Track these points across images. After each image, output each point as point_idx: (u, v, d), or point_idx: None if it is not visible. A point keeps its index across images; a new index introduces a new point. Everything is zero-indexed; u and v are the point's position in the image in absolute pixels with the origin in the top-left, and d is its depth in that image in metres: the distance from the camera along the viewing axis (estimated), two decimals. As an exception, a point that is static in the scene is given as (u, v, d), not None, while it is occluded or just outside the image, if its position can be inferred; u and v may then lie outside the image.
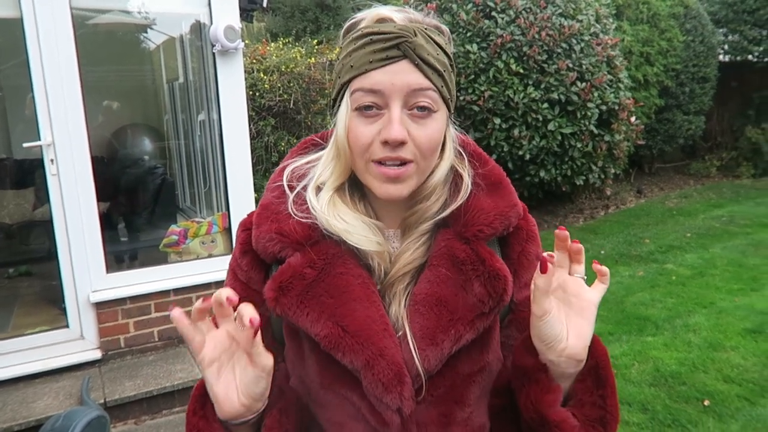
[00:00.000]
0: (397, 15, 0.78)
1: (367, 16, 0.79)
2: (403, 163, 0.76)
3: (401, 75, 0.74)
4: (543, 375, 0.76)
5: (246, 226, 0.85)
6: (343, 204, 0.81)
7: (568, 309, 0.75)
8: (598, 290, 0.77)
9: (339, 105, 0.79)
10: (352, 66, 0.76)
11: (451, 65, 0.81)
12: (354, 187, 0.83)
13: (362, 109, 0.76)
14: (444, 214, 0.81)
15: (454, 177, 0.84)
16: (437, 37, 0.79)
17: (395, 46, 0.74)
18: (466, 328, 0.77)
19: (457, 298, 0.78)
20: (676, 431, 2.71)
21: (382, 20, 0.78)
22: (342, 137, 0.78)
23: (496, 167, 0.87)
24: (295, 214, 0.79)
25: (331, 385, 0.78)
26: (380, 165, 0.76)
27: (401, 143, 0.75)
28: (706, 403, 2.92)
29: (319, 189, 0.81)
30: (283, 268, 0.78)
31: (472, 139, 0.91)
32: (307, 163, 0.85)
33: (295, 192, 0.82)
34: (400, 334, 0.77)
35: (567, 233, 0.74)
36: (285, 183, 0.83)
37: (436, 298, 0.78)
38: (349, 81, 0.77)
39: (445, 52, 0.79)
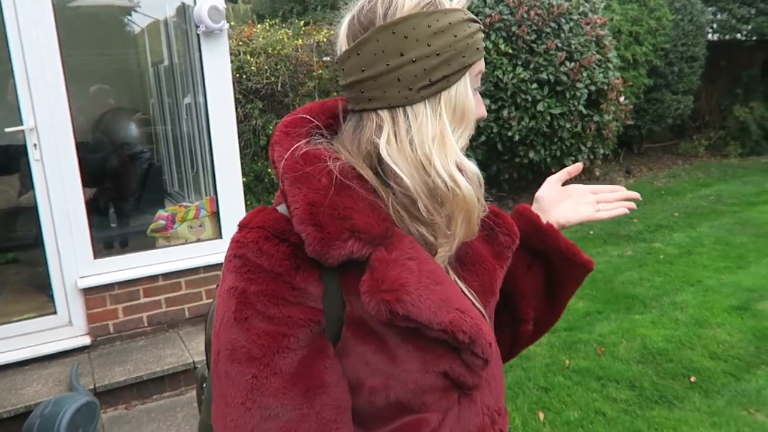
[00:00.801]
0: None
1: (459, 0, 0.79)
2: None
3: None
4: (560, 234, 0.99)
5: (279, 233, 0.71)
6: None
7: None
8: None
9: (455, 80, 0.75)
10: (477, 48, 0.77)
11: None
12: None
13: (475, 91, 0.79)
14: None
15: None
16: None
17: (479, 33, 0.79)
18: (501, 273, 0.88)
19: (489, 250, 0.87)
20: (663, 407, 2.75)
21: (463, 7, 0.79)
22: (471, 113, 0.77)
23: None
24: (381, 207, 0.73)
25: (434, 365, 0.75)
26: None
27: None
28: (693, 379, 2.96)
29: (459, 165, 0.78)
30: (382, 265, 0.71)
31: None
32: (331, 152, 0.75)
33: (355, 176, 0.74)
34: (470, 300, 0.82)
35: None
36: (337, 172, 0.72)
37: (476, 254, 0.85)
38: (474, 62, 0.77)
39: None
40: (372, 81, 0.74)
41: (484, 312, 0.82)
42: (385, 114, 0.74)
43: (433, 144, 0.73)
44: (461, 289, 0.81)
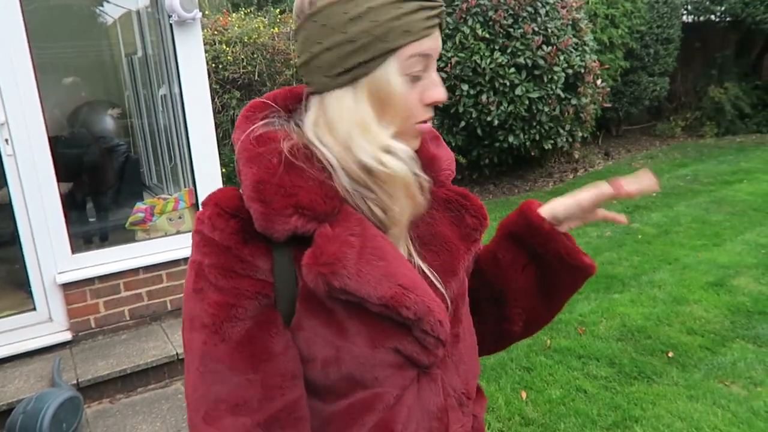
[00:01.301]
0: None
1: None
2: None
3: (437, 41, 0.78)
4: (562, 235, 0.93)
5: (231, 210, 0.74)
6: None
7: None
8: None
9: (374, 67, 0.74)
10: (407, 31, 0.74)
11: None
12: None
13: (412, 75, 0.76)
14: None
15: None
16: None
17: (438, 15, 0.76)
18: (467, 256, 0.88)
19: (453, 232, 0.87)
20: (642, 382, 2.81)
21: None
22: (396, 101, 0.75)
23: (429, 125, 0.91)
24: (322, 185, 0.74)
25: (383, 341, 0.77)
26: (416, 125, 0.80)
27: (443, 102, 0.80)
28: (670, 354, 3.02)
29: (386, 149, 0.79)
30: (320, 241, 0.73)
31: None
32: (284, 132, 0.77)
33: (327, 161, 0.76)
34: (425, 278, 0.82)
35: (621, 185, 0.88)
36: (286, 151, 0.74)
37: (440, 234, 0.85)
38: (402, 45, 0.74)
39: None
40: (304, 67, 0.77)
41: (444, 292, 0.82)
42: (314, 99, 0.78)
43: (355, 130, 0.74)
44: (421, 268, 0.82)
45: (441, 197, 0.87)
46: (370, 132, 0.75)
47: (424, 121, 0.80)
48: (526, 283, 0.95)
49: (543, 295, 0.97)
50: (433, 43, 0.76)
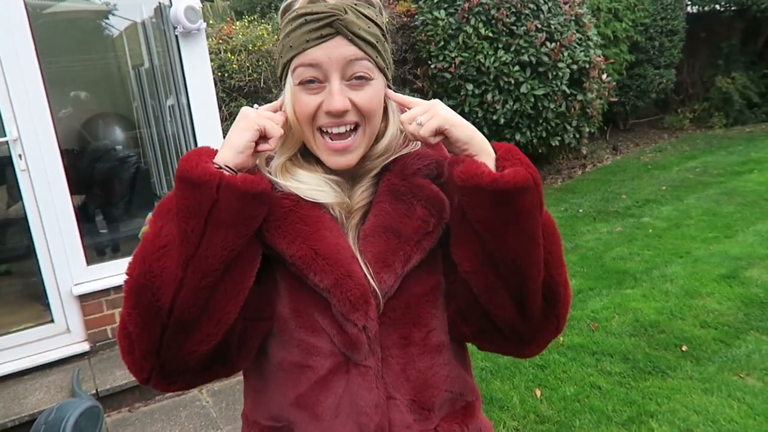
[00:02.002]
0: None
1: None
2: (353, 129, 0.86)
3: (337, 50, 0.82)
4: (468, 158, 0.83)
5: None
6: (296, 167, 0.89)
7: None
8: (433, 121, 0.85)
9: (284, 83, 0.87)
10: (291, 46, 0.84)
11: (383, 35, 0.88)
12: (309, 154, 0.91)
13: (305, 83, 0.84)
14: (388, 161, 0.91)
15: (405, 139, 0.93)
16: (367, 10, 0.86)
17: (329, 24, 0.82)
18: (414, 248, 0.87)
19: (401, 224, 0.87)
20: (656, 377, 2.80)
21: (314, 1, 0.84)
22: (289, 110, 0.86)
23: (443, 149, 0.94)
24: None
25: (303, 310, 0.85)
26: (326, 138, 0.85)
27: (342, 112, 0.83)
28: (684, 348, 3.02)
29: (270, 158, 0.91)
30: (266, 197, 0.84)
31: None
32: None
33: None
34: (359, 264, 0.86)
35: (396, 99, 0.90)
36: None
37: (383, 227, 0.87)
38: (290, 59, 0.84)
39: (377, 24, 0.87)
40: None
41: (374, 284, 0.84)
42: None
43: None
44: (357, 258, 0.85)
45: (399, 190, 0.88)
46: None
47: (327, 131, 0.85)
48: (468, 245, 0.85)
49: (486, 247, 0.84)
50: (321, 51, 0.82)
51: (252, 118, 0.81)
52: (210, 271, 0.77)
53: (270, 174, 0.87)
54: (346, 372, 0.85)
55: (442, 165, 0.90)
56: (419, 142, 0.92)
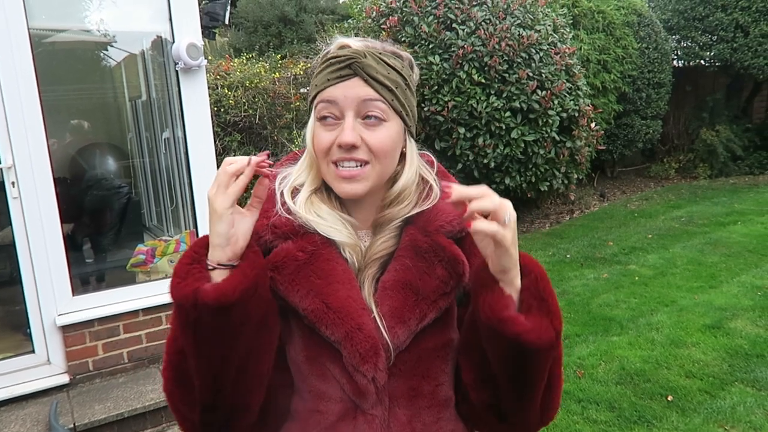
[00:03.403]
0: (356, 42, 0.92)
1: (333, 45, 0.94)
2: (362, 164, 0.89)
3: (353, 89, 0.88)
4: (497, 286, 0.82)
5: None
6: (321, 202, 0.94)
7: (490, 244, 0.81)
8: (509, 230, 0.79)
9: (310, 116, 0.94)
10: (316, 85, 0.92)
11: (406, 84, 0.93)
12: (331, 190, 0.94)
13: (323, 119, 0.90)
14: (411, 213, 0.93)
15: (425, 186, 0.96)
16: (392, 60, 0.92)
17: (347, 66, 0.89)
18: (430, 307, 0.89)
19: (421, 282, 0.89)
20: (642, 427, 2.79)
21: (342, 47, 0.92)
22: (309, 144, 0.93)
23: (455, 181, 0.95)
24: (282, 213, 0.92)
25: (315, 357, 0.89)
26: (337, 167, 0.90)
27: (353, 146, 0.88)
28: (670, 398, 3.01)
29: (297, 191, 0.95)
30: (277, 250, 0.89)
31: (435, 160, 1.03)
32: (290, 171, 0.97)
33: (279, 193, 0.94)
34: (371, 317, 0.88)
35: (451, 191, 0.79)
36: (276, 186, 0.95)
37: (403, 282, 0.89)
38: (314, 97, 0.92)
39: (399, 73, 0.92)
40: None
41: (387, 337, 0.87)
42: None
43: (296, 171, 0.97)
44: (369, 308, 0.88)
45: (421, 247, 0.91)
46: (296, 175, 0.96)
47: (341, 164, 0.89)
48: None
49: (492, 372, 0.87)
50: (339, 90, 0.88)
51: (212, 202, 0.81)
52: (221, 373, 0.83)
53: (292, 207, 0.92)
54: (353, 418, 0.88)
55: (464, 225, 0.89)
56: (438, 195, 0.93)
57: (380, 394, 0.87)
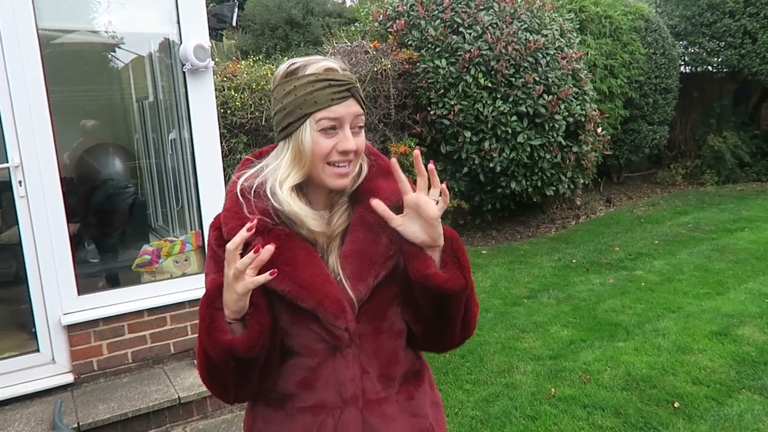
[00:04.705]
0: (337, 66, 1.14)
1: (311, 65, 1.13)
2: (349, 163, 1.14)
3: (351, 107, 1.12)
4: (421, 252, 1.12)
5: (216, 226, 1.19)
6: (297, 197, 1.14)
7: (420, 220, 1.10)
8: (439, 207, 1.09)
9: (297, 127, 1.12)
10: (316, 101, 1.10)
11: None
12: (298, 186, 1.16)
13: (326, 130, 1.11)
14: (352, 188, 1.19)
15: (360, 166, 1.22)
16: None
17: (347, 90, 1.12)
18: (381, 267, 1.16)
19: (372, 249, 1.16)
20: (648, 434, 2.77)
21: (330, 70, 1.12)
22: (307, 150, 1.11)
23: (387, 161, 1.22)
24: (252, 213, 1.13)
25: (300, 321, 1.14)
26: (334, 167, 1.13)
27: (354, 152, 1.13)
28: (676, 404, 2.99)
29: (277, 187, 1.13)
30: (251, 248, 1.06)
31: (371, 145, 1.28)
32: (253, 174, 1.17)
33: (251, 193, 1.14)
34: (338, 278, 1.14)
35: (419, 153, 1.09)
36: (238, 191, 1.15)
37: (358, 251, 1.15)
38: (314, 111, 1.10)
39: None
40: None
41: (351, 294, 1.13)
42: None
43: (275, 171, 1.14)
44: (338, 275, 1.14)
45: (368, 221, 1.16)
46: (279, 172, 1.13)
47: (337, 165, 1.12)
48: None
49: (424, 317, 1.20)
50: (343, 109, 1.11)
51: (234, 287, 1.04)
52: (249, 378, 1.15)
53: (282, 203, 1.12)
54: (333, 357, 1.16)
55: (399, 197, 1.15)
56: (366, 170, 1.21)
57: (352, 336, 1.14)
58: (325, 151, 1.11)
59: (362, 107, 1.15)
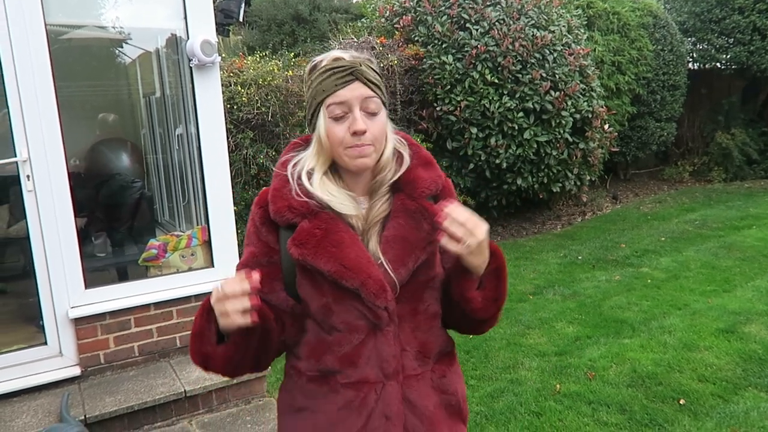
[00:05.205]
0: (346, 55, 1.20)
1: (325, 58, 1.21)
2: (365, 145, 1.19)
3: (357, 90, 1.18)
4: (466, 273, 1.21)
5: (261, 204, 1.26)
6: (330, 182, 1.23)
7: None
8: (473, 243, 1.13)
9: (316, 118, 1.20)
10: (323, 90, 1.18)
11: (382, 82, 1.25)
12: (333, 170, 1.25)
13: (337, 117, 1.18)
14: (395, 178, 1.25)
15: (399, 156, 1.27)
16: (372, 65, 1.23)
17: (351, 73, 1.18)
18: (421, 252, 1.22)
19: (413, 235, 1.22)
20: (653, 430, 2.77)
21: (337, 59, 1.20)
22: (324, 137, 1.20)
23: (427, 152, 1.32)
24: (299, 195, 1.20)
25: (342, 299, 1.20)
26: (351, 149, 1.19)
27: (363, 132, 1.17)
28: (682, 402, 2.98)
29: (310, 174, 1.22)
30: (299, 230, 1.19)
31: (411, 137, 1.35)
32: (299, 160, 1.25)
33: (296, 179, 1.22)
34: (378, 261, 1.20)
35: (443, 215, 1.12)
36: (288, 172, 1.24)
37: (400, 236, 1.22)
38: (323, 99, 1.18)
39: (378, 74, 1.24)
40: None
41: (393, 276, 1.20)
42: None
43: (306, 159, 1.25)
44: (379, 258, 1.21)
45: (410, 209, 1.23)
46: (309, 160, 1.24)
47: (355, 146, 1.18)
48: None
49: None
50: (348, 92, 1.17)
51: (231, 318, 1.10)
52: (248, 354, 1.22)
53: (311, 189, 1.20)
54: (374, 335, 1.23)
55: (439, 186, 1.27)
56: (409, 161, 1.28)
57: (391, 316, 1.21)
58: (339, 137, 1.18)
59: (373, 90, 1.19)
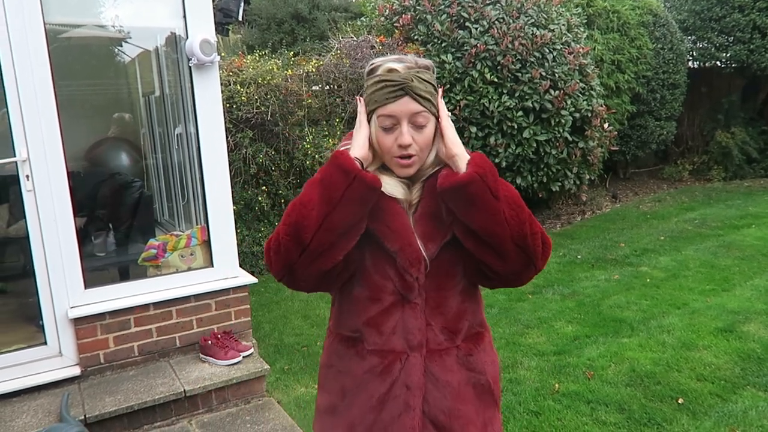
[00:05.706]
0: (400, 66, 1.27)
1: (381, 66, 1.29)
2: (411, 156, 1.30)
3: (406, 105, 1.26)
4: (447, 167, 1.30)
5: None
6: (383, 174, 1.33)
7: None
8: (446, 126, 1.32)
9: (371, 121, 1.30)
10: (375, 101, 1.28)
11: (435, 90, 1.31)
12: (386, 167, 1.36)
13: (386, 128, 1.28)
14: (431, 173, 1.34)
15: (440, 162, 1.36)
16: (425, 74, 1.29)
17: (401, 88, 1.25)
18: (447, 229, 1.31)
19: (439, 214, 1.31)
20: (652, 429, 2.77)
21: (391, 71, 1.27)
22: (375, 143, 1.31)
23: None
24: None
25: (378, 262, 1.31)
26: (398, 159, 1.29)
27: (409, 145, 1.27)
28: (681, 401, 2.99)
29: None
30: None
31: None
32: None
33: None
34: (416, 237, 1.30)
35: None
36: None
37: (429, 214, 1.32)
38: (375, 109, 1.28)
39: (432, 84, 1.30)
40: None
41: (423, 251, 1.30)
42: None
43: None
44: (413, 232, 1.31)
45: (436, 192, 1.30)
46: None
47: (401, 157, 1.28)
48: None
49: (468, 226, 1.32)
50: (397, 107, 1.25)
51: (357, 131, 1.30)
52: (336, 227, 1.23)
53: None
54: (401, 306, 1.32)
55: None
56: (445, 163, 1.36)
57: (420, 288, 1.30)
58: (387, 146, 1.29)
59: (422, 104, 1.26)
